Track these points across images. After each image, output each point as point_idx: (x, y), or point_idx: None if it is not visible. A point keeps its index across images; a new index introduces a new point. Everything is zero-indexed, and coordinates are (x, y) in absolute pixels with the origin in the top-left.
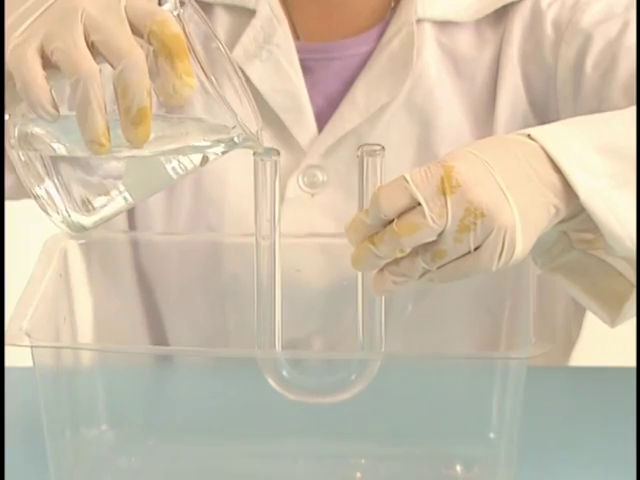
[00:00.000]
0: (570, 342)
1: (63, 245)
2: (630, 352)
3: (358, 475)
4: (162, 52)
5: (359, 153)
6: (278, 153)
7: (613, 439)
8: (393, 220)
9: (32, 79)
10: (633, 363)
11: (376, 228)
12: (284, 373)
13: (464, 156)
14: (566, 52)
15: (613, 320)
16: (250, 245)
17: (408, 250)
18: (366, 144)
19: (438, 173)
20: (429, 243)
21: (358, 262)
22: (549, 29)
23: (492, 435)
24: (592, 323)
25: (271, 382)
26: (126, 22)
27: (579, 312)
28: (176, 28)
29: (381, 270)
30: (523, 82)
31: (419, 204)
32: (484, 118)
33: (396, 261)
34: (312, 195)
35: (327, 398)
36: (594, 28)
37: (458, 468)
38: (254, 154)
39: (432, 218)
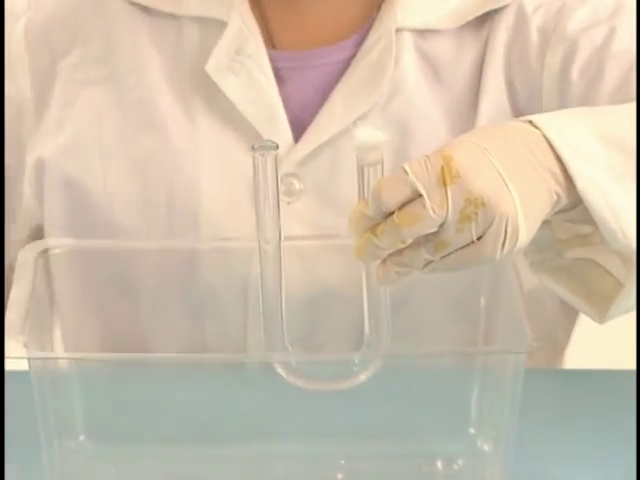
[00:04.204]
0: (558, 346)
1: (38, 256)
2: (625, 355)
3: (339, 476)
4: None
5: None
6: (277, 146)
7: (608, 441)
8: (394, 211)
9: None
10: (628, 366)
11: (377, 220)
12: (293, 363)
13: (464, 145)
14: (551, 59)
15: (601, 317)
16: (226, 254)
17: (409, 241)
18: None
19: (438, 163)
20: (431, 234)
21: (360, 253)
22: (534, 35)
23: (472, 431)
24: (586, 326)
25: (281, 371)
26: None
27: (568, 318)
28: None
29: (384, 261)
30: (507, 88)
31: (420, 195)
32: (464, 125)
33: (399, 251)
34: (288, 203)
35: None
36: (579, 35)
37: (439, 464)
38: (252, 149)
39: (432, 209)
